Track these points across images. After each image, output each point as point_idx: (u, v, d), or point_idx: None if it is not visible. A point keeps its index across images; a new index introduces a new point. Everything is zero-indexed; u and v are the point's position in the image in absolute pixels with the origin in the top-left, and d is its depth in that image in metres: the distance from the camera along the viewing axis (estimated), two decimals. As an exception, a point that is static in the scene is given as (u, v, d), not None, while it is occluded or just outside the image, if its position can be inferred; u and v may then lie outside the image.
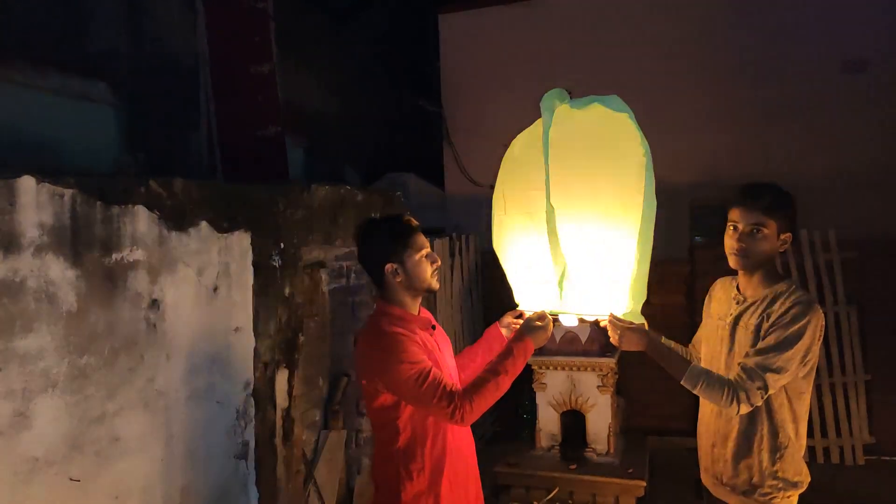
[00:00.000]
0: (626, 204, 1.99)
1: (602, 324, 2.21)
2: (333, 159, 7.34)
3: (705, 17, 5.70)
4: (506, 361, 2.08)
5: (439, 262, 2.20)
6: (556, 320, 2.24)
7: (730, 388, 2.05)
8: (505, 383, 2.05)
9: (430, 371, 1.96)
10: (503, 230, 2.33)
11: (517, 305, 2.39)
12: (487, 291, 5.89)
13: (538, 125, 2.20)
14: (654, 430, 5.26)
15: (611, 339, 2.20)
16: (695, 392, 2.12)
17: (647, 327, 2.20)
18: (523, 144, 2.29)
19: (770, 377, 2.03)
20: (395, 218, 2.17)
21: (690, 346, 2.55)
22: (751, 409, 2.07)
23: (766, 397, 2.07)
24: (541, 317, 2.18)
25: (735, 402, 2.04)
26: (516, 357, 2.09)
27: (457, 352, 2.44)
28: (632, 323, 2.15)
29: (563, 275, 2.07)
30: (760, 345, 2.10)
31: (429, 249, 2.16)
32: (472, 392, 1.98)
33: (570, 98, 2.14)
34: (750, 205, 2.14)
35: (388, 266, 2.08)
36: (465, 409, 1.94)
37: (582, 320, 2.21)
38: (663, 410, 5.34)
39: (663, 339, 2.35)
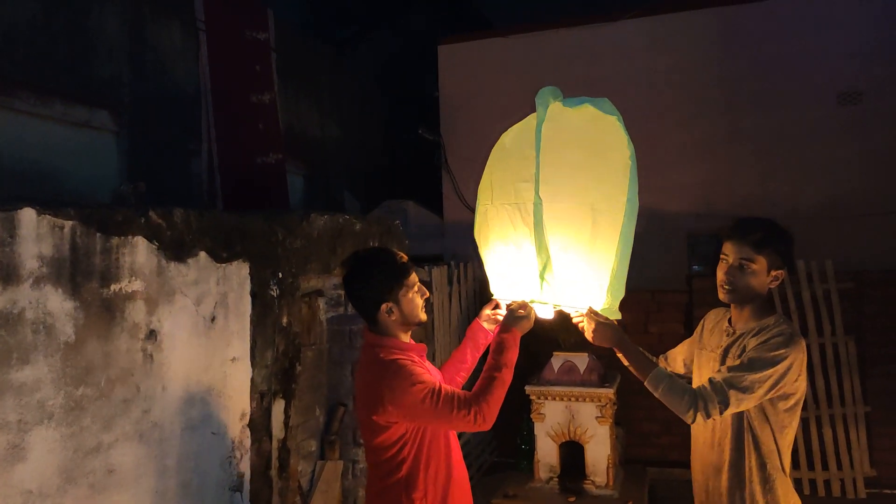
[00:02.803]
0: (610, 202, 2.05)
1: (574, 320, 2.24)
2: (333, 186, 7.39)
3: (700, 49, 5.79)
4: (502, 356, 2.10)
5: (428, 294, 2.22)
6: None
7: (690, 396, 2.07)
8: (508, 376, 2.08)
9: (439, 387, 1.99)
10: (488, 219, 2.34)
11: (491, 296, 2.41)
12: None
13: (530, 120, 2.25)
14: (653, 460, 5.21)
15: (585, 333, 2.22)
16: (656, 395, 2.13)
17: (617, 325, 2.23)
18: (515, 137, 2.33)
19: (733, 394, 2.03)
20: (387, 256, 2.17)
21: (662, 357, 2.57)
22: (706, 420, 2.07)
23: (723, 414, 2.06)
24: (522, 306, 2.20)
25: (692, 410, 2.05)
26: (509, 348, 2.12)
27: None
28: (607, 318, 2.18)
29: (545, 266, 2.10)
30: (734, 363, 2.13)
31: (418, 282, 2.18)
32: (483, 393, 2.01)
33: (563, 97, 2.20)
34: (740, 239, 2.17)
35: (384, 306, 2.10)
36: (483, 410, 1.97)
37: (560, 312, 2.25)
38: (662, 441, 5.30)
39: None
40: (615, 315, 2.15)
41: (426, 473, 2.05)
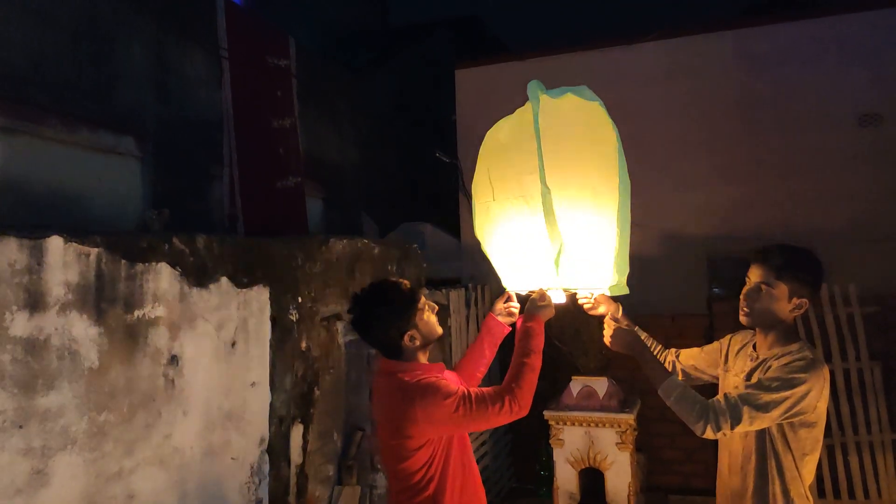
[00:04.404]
0: (606, 184, 2.14)
1: (580, 301, 2.38)
2: (351, 209, 7.44)
3: (719, 72, 5.78)
4: (529, 343, 2.16)
5: (437, 307, 2.27)
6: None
7: (702, 408, 2.06)
8: (537, 362, 2.14)
9: (468, 391, 2.03)
10: (491, 216, 2.37)
11: (504, 289, 2.46)
12: (504, 341, 5.87)
13: (520, 114, 2.32)
14: (675, 488, 5.12)
15: (604, 338, 2.34)
16: (668, 403, 2.14)
17: (624, 314, 2.42)
18: (509, 132, 2.37)
19: (747, 411, 2.02)
20: (393, 290, 2.17)
21: (673, 350, 2.57)
22: (716, 435, 2.05)
23: (734, 429, 2.04)
24: (542, 296, 2.27)
25: (703, 422, 2.04)
26: (535, 336, 2.18)
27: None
28: (630, 324, 2.32)
29: (559, 253, 2.15)
30: (752, 381, 2.11)
31: (425, 299, 2.22)
32: (515, 380, 2.06)
33: (546, 89, 2.28)
34: (762, 263, 2.19)
35: (407, 336, 2.11)
36: (517, 397, 2.02)
37: (574, 296, 2.36)
38: (685, 468, 5.21)
39: (637, 330, 2.50)
40: (623, 291, 2.23)
41: (452, 490, 2.08)
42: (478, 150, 2.54)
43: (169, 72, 4.76)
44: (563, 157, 2.17)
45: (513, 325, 2.44)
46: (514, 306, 2.44)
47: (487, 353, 2.46)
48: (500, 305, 2.46)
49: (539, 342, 2.19)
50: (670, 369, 2.52)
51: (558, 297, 2.32)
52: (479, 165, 2.45)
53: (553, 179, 2.14)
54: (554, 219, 2.13)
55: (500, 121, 2.43)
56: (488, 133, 2.46)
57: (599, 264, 2.19)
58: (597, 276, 2.22)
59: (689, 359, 2.53)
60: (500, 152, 2.38)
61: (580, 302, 2.40)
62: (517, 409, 2.01)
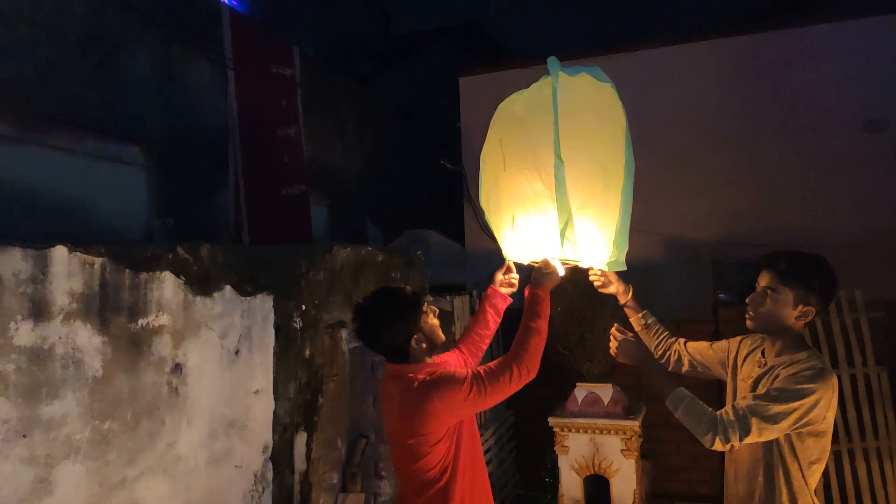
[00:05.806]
0: (614, 162, 2.23)
1: (591, 277, 2.44)
2: (355, 216, 7.46)
3: (724, 78, 5.78)
4: (535, 308, 2.23)
5: (437, 310, 2.32)
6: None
7: (710, 420, 2.05)
8: (543, 327, 2.21)
9: (476, 371, 2.08)
10: (500, 186, 2.40)
11: (505, 259, 2.50)
12: (508, 347, 5.85)
13: (538, 88, 2.36)
14: (681, 495, 5.10)
15: (610, 350, 2.36)
16: (676, 415, 2.13)
17: (633, 296, 2.52)
18: (526, 105, 2.41)
19: (755, 423, 2.01)
20: (397, 296, 2.19)
21: (682, 341, 2.54)
22: (724, 447, 2.05)
23: (743, 441, 2.03)
24: (546, 265, 2.33)
25: (711, 434, 2.03)
26: (541, 302, 2.25)
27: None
28: (632, 336, 2.35)
29: (566, 225, 2.18)
30: (760, 391, 2.10)
31: (426, 304, 2.26)
32: (521, 344, 2.14)
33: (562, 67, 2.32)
34: (768, 268, 2.19)
35: (414, 339, 2.13)
36: (524, 361, 2.10)
37: (576, 267, 2.40)
38: (691, 475, 5.18)
39: (645, 314, 2.56)
40: (621, 267, 2.28)
41: (462, 481, 2.11)
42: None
43: (174, 82, 4.79)
44: (577, 133, 2.23)
45: (513, 295, 2.51)
46: (515, 277, 2.49)
47: (491, 325, 2.50)
48: (500, 276, 2.50)
49: (545, 308, 2.24)
50: (675, 358, 2.52)
51: (559, 270, 2.36)
52: (490, 136, 2.50)
53: (567, 153, 2.19)
54: (565, 191, 2.18)
55: (514, 94, 2.48)
56: (501, 105, 2.50)
57: (600, 239, 2.25)
58: (597, 250, 2.27)
59: (696, 353, 2.51)
60: (515, 124, 2.42)
61: (591, 279, 2.45)
62: (526, 372, 2.08)
